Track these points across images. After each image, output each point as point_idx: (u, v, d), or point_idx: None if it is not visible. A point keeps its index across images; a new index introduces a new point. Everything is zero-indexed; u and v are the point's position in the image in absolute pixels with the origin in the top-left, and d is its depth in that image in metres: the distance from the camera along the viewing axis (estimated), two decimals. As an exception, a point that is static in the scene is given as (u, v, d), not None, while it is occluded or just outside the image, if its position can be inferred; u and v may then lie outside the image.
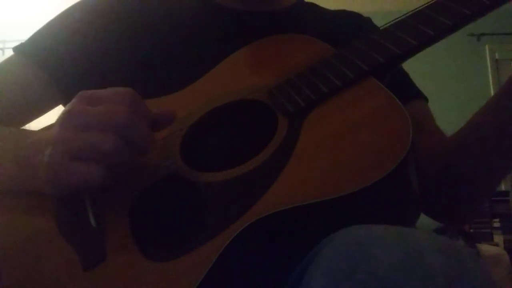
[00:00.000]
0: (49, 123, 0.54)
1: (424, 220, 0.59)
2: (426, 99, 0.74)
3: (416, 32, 0.51)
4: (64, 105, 0.66)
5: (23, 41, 0.67)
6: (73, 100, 0.46)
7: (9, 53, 0.68)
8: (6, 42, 3.56)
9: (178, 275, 0.40)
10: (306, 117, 0.49)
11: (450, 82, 3.37)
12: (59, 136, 0.44)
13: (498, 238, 3.04)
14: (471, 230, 3.06)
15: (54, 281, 0.44)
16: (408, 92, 0.71)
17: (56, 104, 0.66)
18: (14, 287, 0.44)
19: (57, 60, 0.63)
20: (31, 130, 0.54)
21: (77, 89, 0.63)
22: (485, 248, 2.70)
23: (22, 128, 0.63)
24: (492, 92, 3.25)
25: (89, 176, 0.42)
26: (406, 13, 0.54)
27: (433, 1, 0.53)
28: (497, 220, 3.09)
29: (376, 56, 0.51)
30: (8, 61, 0.66)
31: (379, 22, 0.58)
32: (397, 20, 0.54)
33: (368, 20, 0.77)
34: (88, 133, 0.43)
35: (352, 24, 0.75)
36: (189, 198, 0.47)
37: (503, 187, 3.29)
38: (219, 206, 0.46)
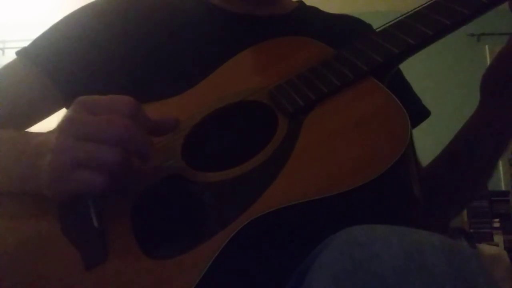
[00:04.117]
0: (53, 126, 0.54)
1: (424, 220, 0.59)
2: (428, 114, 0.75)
3: (415, 32, 0.51)
4: (67, 108, 0.66)
5: (24, 43, 0.67)
6: (73, 107, 0.46)
7: (9, 53, 0.68)
8: (6, 42, 3.56)
9: (178, 273, 0.41)
10: (306, 117, 0.50)
11: (450, 82, 3.37)
12: (60, 144, 0.44)
13: (498, 238, 3.04)
14: (471, 230, 3.06)
15: (56, 281, 0.44)
16: (421, 112, 0.74)
17: (59, 108, 0.66)
18: (16, 287, 0.44)
19: (60, 64, 0.63)
20: (33, 133, 0.54)
21: (80, 92, 0.63)
22: (485, 248, 2.70)
23: (24, 131, 0.63)
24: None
25: (91, 183, 0.43)
26: (405, 13, 0.54)
27: (432, 1, 0.53)
28: (497, 220, 3.09)
29: (375, 56, 0.52)
30: (11, 65, 0.66)
31: (379, 22, 0.58)
32: (395, 20, 0.54)
33: (369, 27, 0.77)
34: (89, 143, 0.43)
35: (353, 28, 0.75)
36: (190, 197, 0.48)
37: (503, 187, 3.29)
38: (219, 205, 0.46)
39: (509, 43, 0.54)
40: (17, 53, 0.66)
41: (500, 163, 3.39)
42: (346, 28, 0.75)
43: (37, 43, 0.66)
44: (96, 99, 0.47)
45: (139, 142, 0.44)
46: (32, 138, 0.51)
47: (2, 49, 3.56)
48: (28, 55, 0.65)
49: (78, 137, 0.44)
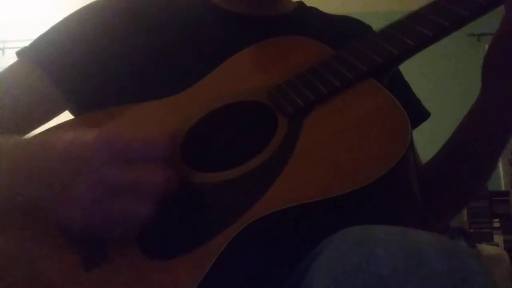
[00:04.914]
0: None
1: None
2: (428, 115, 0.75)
3: (414, 33, 0.51)
4: (70, 110, 0.66)
5: (24, 43, 0.67)
6: (101, 152, 0.42)
7: (9, 53, 0.68)
8: (6, 42, 3.56)
9: (178, 274, 0.41)
10: (306, 118, 0.50)
11: (449, 82, 3.37)
12: (87, 196, 0.41)
13: (498, 238, 3.04)
14: (471, 230, 3.07)
15: (55, 281, 0.44)
16: (421, 114, 0.74)
17: (61, 109, 0.66)
18: (15, 286, 0.44)
19: (61, 64, 0.63)
20: (32, 141, 0.51)
21: (81, 92, 0.63)
22: (485, 248, 2.71)
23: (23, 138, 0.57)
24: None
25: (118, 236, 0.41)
26: (404, 14, 0.54)
27: (431, 2, 0.53)
28: (497, 220, 3.09)
29: (374, 57, 0.52)
30: (12, 67, 0.66)
31: (379, 22, 0.58)
32: (395, 21, 0.54)
33: (368, 28, 0.77)
34: (122, 203, 0.41)
35: (353, 29, 0.75)
36: (189, 198, 0.48)
37: (503, 187, 3.29)
38: (219, 206, 0.46)
39: (501, 27, 0.54)
40: (17, 53, 0.66)
41: (500, 163, 3.39)
42: (346, 29, 0.75)
43: (37, 43, 0.66)
44: (129, 142, 0.43)
45: (174, 188, 0.43)
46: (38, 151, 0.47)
47: (2, 49, 3.56)
48: (29, 55, 0.65)
49: (110, 194, 0.41)
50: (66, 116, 0.65)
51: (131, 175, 0.41)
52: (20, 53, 0.66)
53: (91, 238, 0.42)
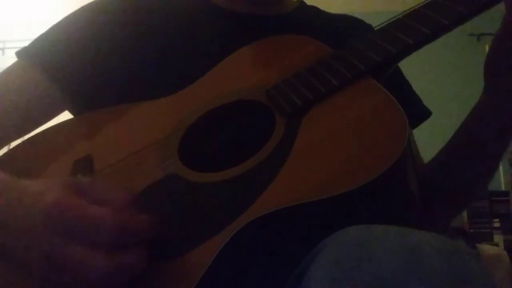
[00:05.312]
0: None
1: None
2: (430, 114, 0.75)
3: (413, 31, 0.51)
4: (70, 110, 0.66)
5: (24, 43, 0.67)
6: (49, 221, 0.38)
7: (9, 53, 0.68)
8: (6, 42, 3.56)
9: (176, 275, 0.40)
10: (304, 117, 0.49)
11: (449, 82, 3.37)
12: (35, 269, 0.39)
13: (498, 238, 3.04)
14: (471, 230, 3.06)
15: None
16: (422, 112, 0.73)
17: (61, 109, 0.66)
18: None
19: (60, 64, 0.63)
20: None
21: (81, 92, 0.63)
22: (485, 248, 2.70)
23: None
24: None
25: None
26: (403, 12, 0.54)
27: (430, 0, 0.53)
28: (497, 220, 3.08)
29: (373, 56, 0.51)
30: (11, 67, 0.66)
31: (379, 22, 0.58)
32: (393, 19, 0.54)
33: (369, 27, 0.77)
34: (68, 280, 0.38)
35: (353, 28, 0.75)
36: (187, 198, 0.47)
37: (503, 187, 3.29)
38: (217, 206, 0.46)
39: (502, 27, 0.53)
40: (17, 53, 0.66)
41: (500, 163, 3.39)
42: (346, 28, 0.75)
43: (37, 43, 0.66)
44: (79, 219, 0.38)
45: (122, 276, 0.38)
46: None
47: (2, 49, 3.56)
48: (28, 56, 0.65)
49: (65, 233, 0.38)
50: (66, 116, 0.65)
51: (73, 255, 0.37)
52: (20, 54, 0.66)
53: None
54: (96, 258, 0.37)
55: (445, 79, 3.38)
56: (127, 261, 0.38)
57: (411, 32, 0.51)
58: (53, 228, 0.38)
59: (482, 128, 0.61)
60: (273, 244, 0.41)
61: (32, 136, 0.61)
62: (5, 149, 0.61)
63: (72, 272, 0.37)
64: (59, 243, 0.38)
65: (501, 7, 0.51)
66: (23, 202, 0.41)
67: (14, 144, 0.61)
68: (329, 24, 0.75)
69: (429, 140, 0.64)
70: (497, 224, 3.09)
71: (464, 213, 3.14)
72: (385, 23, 0.55)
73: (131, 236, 0.39)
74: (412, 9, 0.53)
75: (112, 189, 0.42)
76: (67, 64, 0.63)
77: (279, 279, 0.40)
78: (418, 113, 0.73)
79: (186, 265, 0.40)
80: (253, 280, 0.41)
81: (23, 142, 0.60)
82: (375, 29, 0.57)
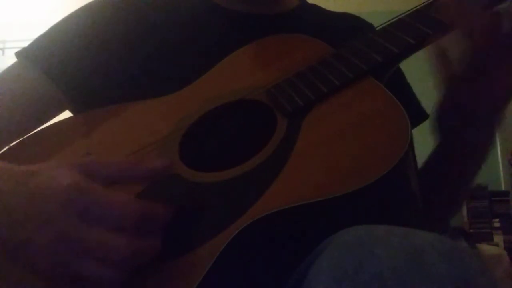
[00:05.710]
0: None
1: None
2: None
3: (415, 31, 0.51)
4: (70, 110, 0.66)
5: (24, 43, 0.67)
6: (70, 202, 0.38)
7: (9, 53, 0.68)
8: (6, 42, 3.55)
9: (176, 276, 0.40)
10: (305, 117, 0.49)
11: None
12: (58, 219, 0.38)
13: (498, 238, 3.03)
14: (471, 230, 3.06)
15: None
16: (420, 114, 0.73)
17: (61, 109, 0.66)
18: None
19: (60, 64, 0.63)
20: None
21: (82, 92, 0.63)
22: (485, 248, 2.70)
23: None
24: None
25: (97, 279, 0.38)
26: (404, 12, 0.54)
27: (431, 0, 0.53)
28: (497, 220, 3.08)
29: (374, 56, 0.51)
30: (11, 68, 0.66)
31: (379, 22, 0.58)
32: (394, 19, 0.54)
33: (370, 26, 0.77)
34: (95, 229, 0.38)
35: (354, 27, 0.75)
36: (187, 198, 0.47)
37: (503, 187, 3.29)
38: (218, 206, 0.46)
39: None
40: (17, 54, 0.66)
41: (500, 163, 3.39)
42: (347, 26, 0.75)
43: (36, 44, 0.66)
44: (105, 204, 0.39)
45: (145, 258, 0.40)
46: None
47: (2, 49, 3.55)
48: (28, 56, 0.65)
49: (84, 215, 0.38)
50: (66, 115, 0.65)
51: (97, 237, 0.38)
52: (20, 54, 0.65)
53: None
54: (117, 240, 0.38)
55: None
56: (145, 244, 0.39)
57: (413, 32, 0.51)
58: (72, 209, 0.38)
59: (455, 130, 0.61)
60: (275, 244, 0.41)
61: (30, 135, 0.61)
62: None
63: (92, 253, 0.38)
64: (79, 225, 0.38)
65: (503, 6, 0.51)
66: (25, 188, 0.41)
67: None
68: (330, 22, 0.75)
69: (427, 139, 0.64)
70: (497, 224, 3.09)
71: (464, 213, 3.14)
72: (386, 23, 0.55)
73: (150, 222, 0.40)
74: (414, 9, 0.52)
75: (123, 165, 0.43)
76: (66, 64, 0.63)
77: (281, 279, 0.40)
78: (415, 114, 0.73)
79: (187, 265, 0.40)
80: (254, 280, 0.41)
81: (22, 140, 0.60)
82: (377, 29, 0.56)
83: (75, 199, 0.38)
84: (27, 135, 0.61)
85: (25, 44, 0.67)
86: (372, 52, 0.52)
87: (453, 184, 0.63)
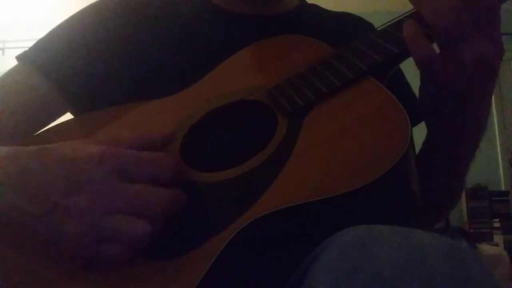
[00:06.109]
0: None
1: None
2: None
3: None
4: (72, 112, 0.66)
5: (24, 43, 0.67)
6: (102, 167, 0.41)
7: (9, 53, 0.68)
8: (6, 42, 3.56)
9: (177, 275, 0.40)
10: (306, 117, 0.49)
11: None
12: (88, 213, 0.39)
13: (498, 238, 3.04)
14: (471, 230, 3.07)
15: (52, 278, 0.44)
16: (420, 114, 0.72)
17: (63, 112, 0.66)
18: None
19: (61, 67, 0.63)
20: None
21: (83, 95, 0.63)
22: (485, 248, 2.71)
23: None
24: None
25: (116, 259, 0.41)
26: (404, 13, 0.54)
27: None
28: (497, 220, 3.09)
29: (374, 56, 0.52)
30: (12, 71, 0.65)
31: (379, 22, 0.58)
32: (395, 20, 0.54)
33: (370, 25, 0.77)
34: (123, 221, 0.40)
35: (354, 27, 0.75)
36: (188, 198, 0.47)
37: (503, 187, 3.29)
38: (218, 206, 0.46)
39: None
40: (17, 57, 0.66)
41: (500, 163, 3.39)
42: (347, 26, 0.75)
43: (37, 46, 0.66)
44: (136, 159, 0.43)
45: (178, 208, 0.43)
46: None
47: (2, 49, 3.56)
48: (29, 59, 0.65)
49: (110, 210, 0.40)
50: (66, 116, 0.65)
51: (135, 192, 0.41)
52: (20, 57, 0.65)
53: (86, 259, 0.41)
54: (160, 190, 0.41)
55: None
56: (178, 194, 0.43)
57: None
58: (109, 168, 0.41)
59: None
60: (275, 244, 0.41)
61: (32, 137, 0.61)
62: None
63: (130, 208, 0.40)
64: (117, 183, 0.40)
65: (501, 7, 0.51)
66: (52, 162, 0.42)
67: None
68: (330, 23, 0.75)
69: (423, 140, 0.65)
70: (497, 224, 3.10)
71: (464, 213, 3.15)
72: (387, 24, 0.55)
73: (181, 174, 0.45)
74: (414, 10, 0.52)
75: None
76: (67, 67, 0.63)
77: (281, 278, 0.40)
78: (416, 114, 0.72)
79: (187, 264, 0.40)
80: (254, 279, 0.41)
81: (23, 142, 0.60)
82: (377, 29, 0.56)
83: (111, 160, 0.41)
84: (28, 137, 0.61)
85: (25, 44, 0.67)
86: (372, 53, 0.52)
87: (445, 171, 0.63)
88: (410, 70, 0.74)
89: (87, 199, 0.40)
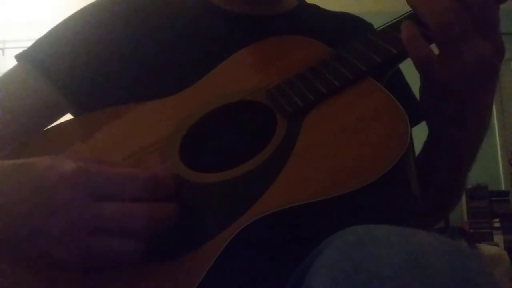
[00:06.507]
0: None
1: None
2: None
3: None
4: (71, 112, 0.66)
5: (24, 43, 0.67)
6: (76, 184, 0.39)
7: (9, 53, 0.68)
8: (6, 42, 3.56)
9: (177, 276, 0.40)
10: (305, 118, 0.49)
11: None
12: (73, 201, 0.39)
13: (498, 238, 3.04)
14: (471, 230, 3.07)
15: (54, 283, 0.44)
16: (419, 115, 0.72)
17: (63, 113, 0.66)
18: None
19: (61, 67, 0.63)
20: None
21: (83, 95, 0.63)
22: (485, 248, 2.71)
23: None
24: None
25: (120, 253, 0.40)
26: (404, 14, 0.54)
27: None
28: (497, 220, 3.09)
29: (374, 57, 0.52)
30: (12, 71, 0.65)
31: (379, 22, 0.58)
32: (394, 20, 0.54)
33: (369, 26, 0.77)
34: (112, 204, 0.39)
35: (354, 27, 0.75)
36: (188, 199, 0.47)
37: (503, 187, 3.29)
38: (218, 207, 0.46)
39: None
40: (17, 56, 0.66)
41: (500, 163, 3.39)
42: (347, 26, 0.75)
43: (37, 46, 0.66)
44: (103, 174, 0.40)
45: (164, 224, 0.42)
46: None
47: (2, 49, 3.56)
48: (28, 59, 0.65)
49: (97, 195, 0.39)
50: (65, 116, 0.65)
51: (110, 211, 0.39)
52: (20, 57, 0.65)
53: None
54: (134, 208, 0.39)
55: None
56: (161, 209, 0.41)
57: None
58: (84, 191, 0.39)
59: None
60: (274, 244, 0.41)
61: (32, 136, 0.61)
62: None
63: (111, 228, 0.39)
64: (93, 204, 0.39)
65: (502, 7, 0.51)
66: (27, 181, 0.41)
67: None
68: (329, 23, 0.75)
69: (423, 140, 0.65)
70: (497, 224, 3.10)
71: (464, 213, 3.15)
72: (386, 24, 0.55)
73: (163, 189, 0.42)
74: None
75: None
76: (67, 67, 0.63)
77: (280, 279, 0.40)
78: (415, 114, 0.72)
79: (187, 265, 0.40)
80: (254, 279, 0.41)
81: (23, 142, 0.60)
82: (377, 29, 0.57)
83: (84, 181, 0.39)
84: (28, 137, 0.61)
85: (25, 44, 0.67)
86: (371, 53, 0.52)
87: (446, 172, 0.62)
88: (410, 70, 0.74)
89: (63, 222, 0.38)
